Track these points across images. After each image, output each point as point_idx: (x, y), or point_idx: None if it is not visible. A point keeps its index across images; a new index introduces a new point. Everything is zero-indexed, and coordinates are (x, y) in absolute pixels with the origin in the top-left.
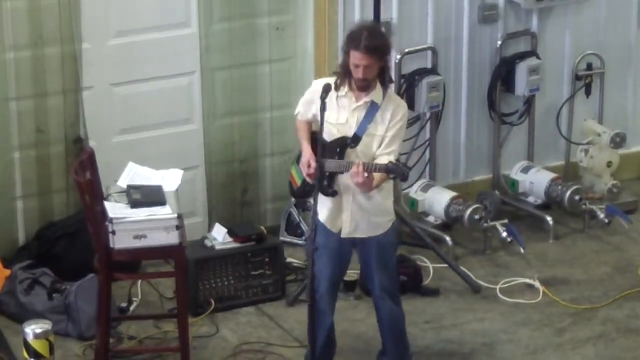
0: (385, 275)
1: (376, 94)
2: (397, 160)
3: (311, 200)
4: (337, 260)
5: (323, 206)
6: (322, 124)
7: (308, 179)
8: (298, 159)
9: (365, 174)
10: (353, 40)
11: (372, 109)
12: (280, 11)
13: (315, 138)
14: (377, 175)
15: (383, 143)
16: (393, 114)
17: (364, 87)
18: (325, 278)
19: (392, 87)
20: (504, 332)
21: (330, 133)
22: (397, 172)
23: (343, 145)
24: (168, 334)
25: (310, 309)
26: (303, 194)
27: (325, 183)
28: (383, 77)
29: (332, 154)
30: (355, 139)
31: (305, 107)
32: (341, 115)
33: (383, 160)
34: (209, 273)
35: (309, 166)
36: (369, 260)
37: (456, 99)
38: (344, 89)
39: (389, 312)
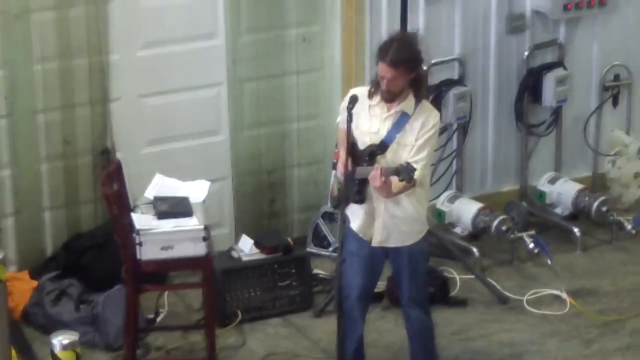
0: (414, 284)
1: (408, 104)
2: (407, 163)
3: (346, 211)
4: (368, 268)
5: (356, 215)
6: (348, 134)
7: (339, 176)
8: None
9: (383, 178)
10: (381, 51)
11: (403, 118)
12: (308, 22)
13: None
14: (395, 181)
15: (412, 152)
16: (423, 123)
17: (390, 99)
18: (356, 287)
19: None
20: (531, 343)
21: (363, 141)
22: (404, 173)
23: (371, 152)
24: (195, 344)
25: (338, 320)
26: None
27: (355, 189)
28: (415, 87)
29: (362, 161)
30: (382, 147)
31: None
32: (373, 124)
33: None
34: (236, 284)
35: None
36: (401, 270)
37: (483, 109)
38: (377, 98)
39: (418, 320)
